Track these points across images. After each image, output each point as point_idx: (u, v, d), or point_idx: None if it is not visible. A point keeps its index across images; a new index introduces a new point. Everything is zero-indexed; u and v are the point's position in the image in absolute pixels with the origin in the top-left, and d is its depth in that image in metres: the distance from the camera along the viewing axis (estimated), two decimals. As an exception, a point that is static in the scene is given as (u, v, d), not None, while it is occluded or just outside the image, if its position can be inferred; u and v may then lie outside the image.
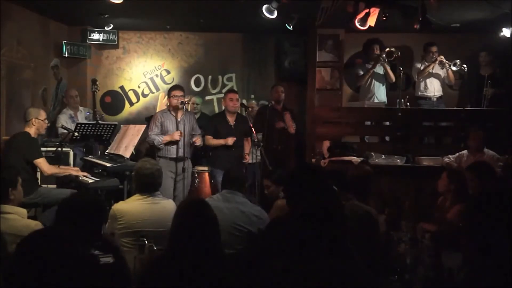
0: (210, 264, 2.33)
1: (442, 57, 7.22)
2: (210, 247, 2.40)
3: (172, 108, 5.81)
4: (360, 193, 3.75)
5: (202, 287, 2.28)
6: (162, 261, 2.40)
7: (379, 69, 7.31)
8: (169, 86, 6.90)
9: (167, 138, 5.70)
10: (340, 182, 3.65)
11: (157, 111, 7.54)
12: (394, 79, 7.25)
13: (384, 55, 7.10)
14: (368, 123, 7.28)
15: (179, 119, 5.77)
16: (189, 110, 6.24)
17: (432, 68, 7.33)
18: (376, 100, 7.27)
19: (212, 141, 6.19)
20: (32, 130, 5.03)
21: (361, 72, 7.33)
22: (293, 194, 3.10)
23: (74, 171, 5.41)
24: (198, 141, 5.85)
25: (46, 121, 5.23)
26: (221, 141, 6.11)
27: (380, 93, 7.35)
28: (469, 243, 2.08)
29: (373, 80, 7.34)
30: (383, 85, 7.40)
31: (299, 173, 3.38)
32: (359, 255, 2.22)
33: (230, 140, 6.06)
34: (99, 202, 2.77)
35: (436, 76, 7.41)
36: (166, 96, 6.14)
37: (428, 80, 7.43)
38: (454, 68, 7.16)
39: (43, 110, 5.31)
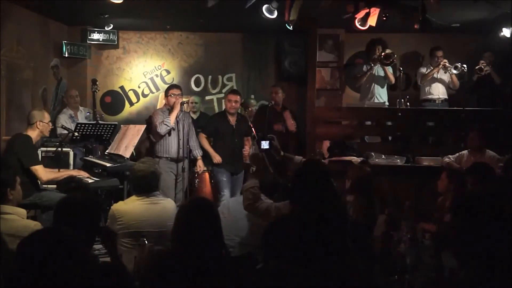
0: (213, 263, 2.33)
1: (445, 61, 7.10)
2: (212, 246, 2.40)
3: (170, 107, 5.78)
4: (363, 194, 3.75)
5: (205, 286, 2.28)
6: (166, 260, 2.40)
7: (380, 71, 7.17)
8: (170, 86, 6.87)
9: (173, 116, 5.61)
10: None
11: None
12: (393, 81, 7.18)
13: (382, 57, 6.92)
14: (369, 123, 7.27)
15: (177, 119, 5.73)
16: (187, 110, 6.21)
17: (437, 73, 7.23)
18: (376, 101, 7.17)
19: (205, 143, 6.07)
20: (35, 134, 4.94)
21: (360, 73, 7.23)
22: (297, 192, 3.09)
23: (74, 172, 5.39)
24: (200, 168, 5.93)
25: (50, 124, 5.15)
26: (211, 151, 6.01)
27: (380, 94, 7.23)
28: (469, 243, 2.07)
29: (373, 82, 7.22)
30: (383, 86, 7.26)
31: (304, 171, 3.37)
32: (359, 255, 2.22)
33: (217, 159, 5.97)
34: (95, 201, 2.76)
35: (441, 81, 7.30)
36: (162, 95, 6.06)
37: (433, 85, 7.32)
38: (455, 72, 7.08)
39: (47, 112, 5.23)
